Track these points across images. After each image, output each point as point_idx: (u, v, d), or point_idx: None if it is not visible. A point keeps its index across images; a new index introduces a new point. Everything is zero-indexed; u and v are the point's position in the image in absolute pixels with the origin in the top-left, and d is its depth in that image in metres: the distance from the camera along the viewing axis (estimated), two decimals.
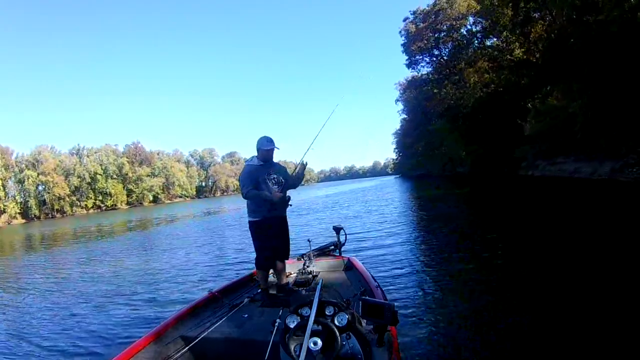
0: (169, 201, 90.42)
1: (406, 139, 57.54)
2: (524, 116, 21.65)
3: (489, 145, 26.56)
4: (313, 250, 3.86)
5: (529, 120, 20.74)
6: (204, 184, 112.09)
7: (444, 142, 37.57)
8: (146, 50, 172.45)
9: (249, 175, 3.15)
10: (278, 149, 3.17)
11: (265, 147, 3.14)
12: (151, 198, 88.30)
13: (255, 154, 3.22)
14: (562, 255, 4.92)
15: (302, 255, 3.75)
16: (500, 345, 2.80)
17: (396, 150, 72.44)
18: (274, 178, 3.19)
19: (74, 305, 5.11)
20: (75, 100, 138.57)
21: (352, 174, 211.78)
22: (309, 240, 3.90)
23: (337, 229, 4.07)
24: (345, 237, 4.14)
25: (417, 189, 27.88)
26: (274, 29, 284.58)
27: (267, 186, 3.13)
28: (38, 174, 73.34)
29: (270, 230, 3.17)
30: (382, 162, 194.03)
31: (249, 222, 3.26)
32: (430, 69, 38.75)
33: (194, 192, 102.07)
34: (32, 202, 72.06)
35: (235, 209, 26.62)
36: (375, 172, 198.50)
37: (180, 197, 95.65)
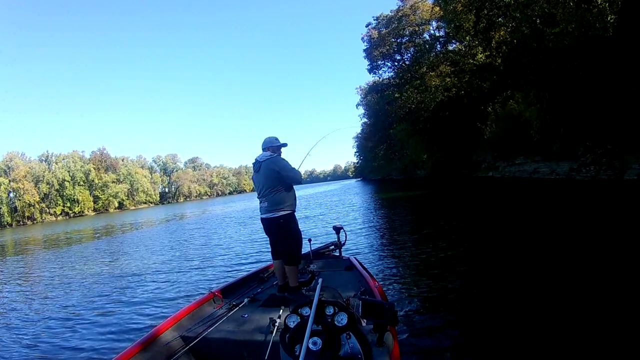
0: (134, 207, 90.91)
1: (367, 143, 58.25)
2: (484, 120, 22.53)
3: (450, 148, 27.43)
4: (313, 250, 3.84)
5: (489, 124, 21.58)
6: (167, 189, 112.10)
7: (405, 145, 38.34)
8: (109, 52, 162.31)
9: None
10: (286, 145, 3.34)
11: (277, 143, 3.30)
12: (116, 204, 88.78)
13: (271, 152, 3.26)
14: (557, 257, 4.83)
15: (302, 255, 3.60)
16: (501, 344, 2.78)
17: (357, 153, 73.31)
18: None
19: (74, 306, 5.09)
20: (42, 103, 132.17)
21: (312, 178, 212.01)
22: (309, 240, 3.76)
23: (337, 229, 3.99)
24: (345, 237, 4.08)
25: (392, 190, 28.04)
26: (238, 32, 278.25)
27: None
28: (9, 181, 71.92)
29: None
30: (343, 165, 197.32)
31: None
32: (391, 73, 39.61)
33: (158, 199, 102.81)
34: (4, 209, 70.65)
35: (200, 214, 26.63)
36: (335, 175, 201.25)
37: (145, 203, 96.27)
